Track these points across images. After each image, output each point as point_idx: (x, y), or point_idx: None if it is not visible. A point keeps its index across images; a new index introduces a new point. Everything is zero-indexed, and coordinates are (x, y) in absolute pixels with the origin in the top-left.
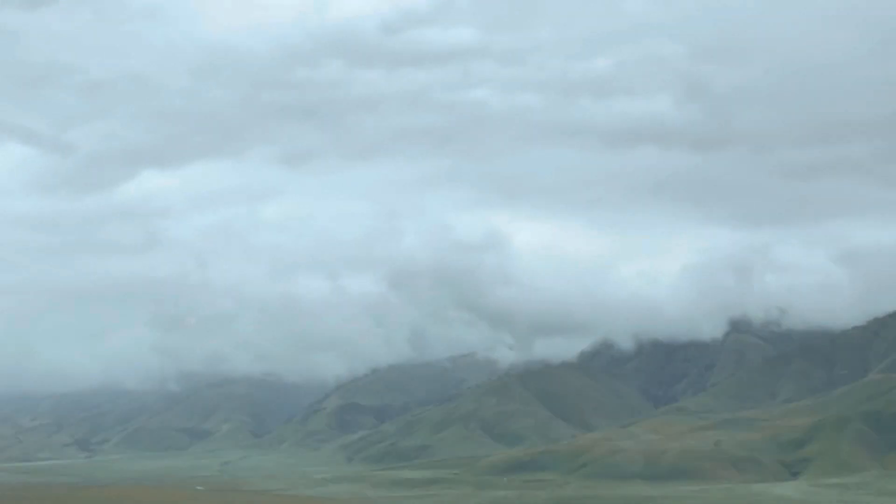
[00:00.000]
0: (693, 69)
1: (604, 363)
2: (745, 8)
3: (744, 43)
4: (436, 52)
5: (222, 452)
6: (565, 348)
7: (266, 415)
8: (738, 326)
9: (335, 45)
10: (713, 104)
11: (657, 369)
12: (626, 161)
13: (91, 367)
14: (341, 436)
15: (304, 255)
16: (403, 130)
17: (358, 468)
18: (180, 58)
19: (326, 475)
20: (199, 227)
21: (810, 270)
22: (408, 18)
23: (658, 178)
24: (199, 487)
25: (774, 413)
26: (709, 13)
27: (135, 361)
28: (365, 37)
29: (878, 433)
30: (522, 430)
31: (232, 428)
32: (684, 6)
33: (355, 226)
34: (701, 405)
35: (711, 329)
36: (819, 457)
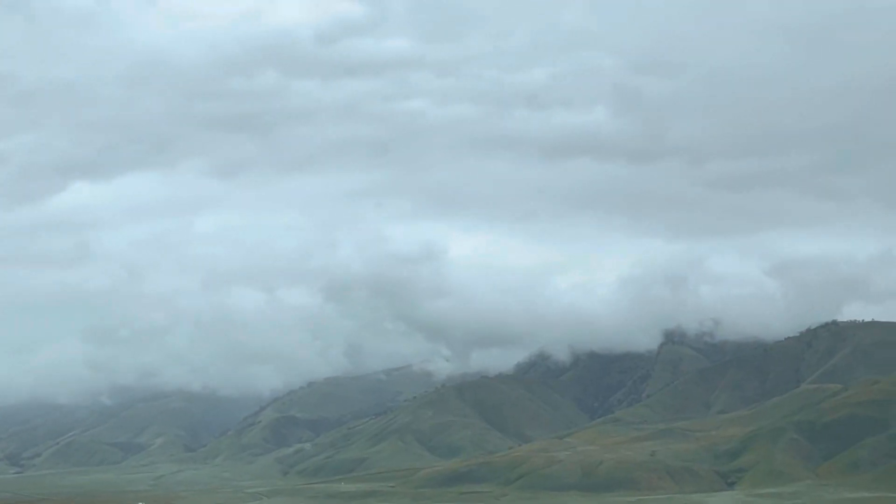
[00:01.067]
0: (628, 81)
1: (540, 375)
2: (679, 21)
3: (678, 55)
4: (371, 62)
5: (156, 467)
6: (501, 360)
7: (200, 428)
8: (673, 338)
9: (270, 55)
10: (648, 116)
11: (593, 381)
12: (562, 173)
13: (22, 381)
14: (277, 449)
15: (239, 267)
16: (339, 141)
17: (294, 481)
18: (112, 67)
19: (261, 489)
20: (132, 238)
21: (743, 282)
22: (343, 28)
23: (593, 189)
24: (140, 503)
25: (709, 424)
26: (643, 26)
27: (66, 375)
28: (300, 47)
29: (811, 443)
30: (459, 442)
31: (166, 442)
32: (619, 19)
33: (290, 238)
34: (636, 416)
35: (646, 340)
36: (754, 467)
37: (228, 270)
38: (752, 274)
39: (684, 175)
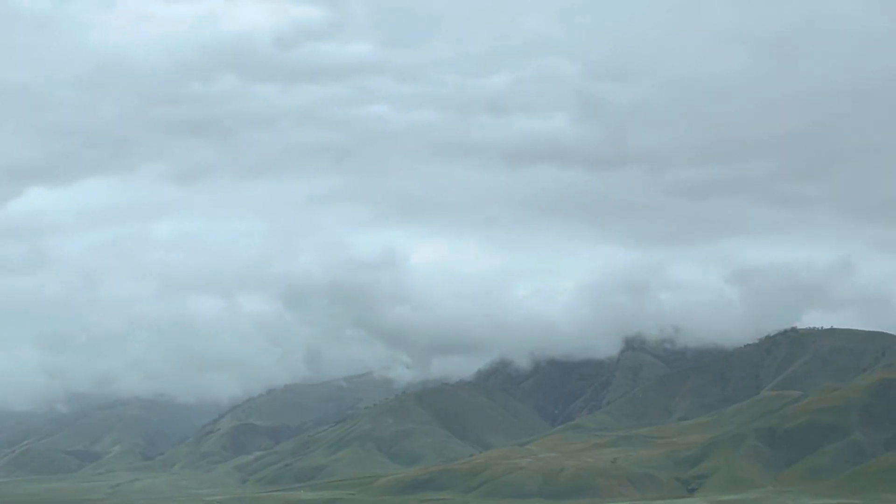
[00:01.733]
0: (589, 87)
1: (501, 382)
2: (640, 27)
3: (639, 61)
4: (332, 67)
5: (113, 475)
6: (462, 367)
7: (158, 436)
8: (633, 344)
9: (229, 59)
10: (609, 122)
11: (553, 388)
12: (523, 179)
13: None
14: (236, 457)
15: (197, 273)
16: (299, 147)
17: (253, 490)
18: (70, 70)
19: (220, 497)
20: (89, 244)
21: (704, 289)
22: (303, 33)
23: (554, 196)
24: None
25: (670, 430)
26: (605, 32)
27: (22, 382)
28: (259, 51)
29: (772, 449)
30: (420, 450)
31: (123, 450)
32: (581, 24)
33: (250, 244)
34: (597, 423)
35: (607, 347)
36: (715, 473)
37: (186, 277)
38: (711, 281)
39: (645, 182)
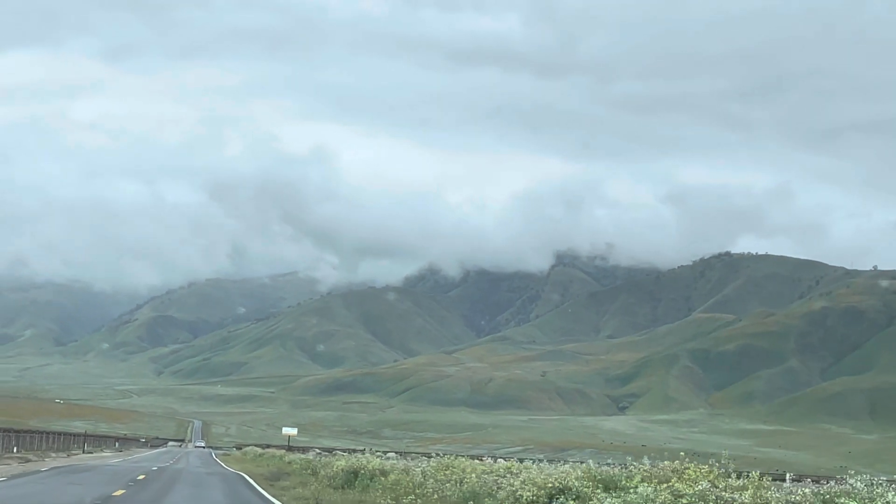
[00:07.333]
0: None
1: (428, 289)
2: None
3: None
4: None
5: (23, 359)
6: (390, 271)
7: (72, 323)
8: (564, 259)
9: None
10: (561, 27)
11: (482, 298)
12: (466, 81)
13: None
14: (152, 348)
15: (121, 157)
16: (234, 30)
17: (168, 382)
18: None
19: (132, 387)
20: (7, 120)
21: (639, 207)
22: None
23: (497, 102)
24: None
25: (600, 347)
26: None
27: None
28: None
29: (704, 371)
30: (342, 352)
31: (35, 334)
32: None
33: (177, 130)
34: (525, 336)
35: (538, 260)
36: (646, 393)
37: (109, 160)
38: (648, 199)
39: (590, 93)
